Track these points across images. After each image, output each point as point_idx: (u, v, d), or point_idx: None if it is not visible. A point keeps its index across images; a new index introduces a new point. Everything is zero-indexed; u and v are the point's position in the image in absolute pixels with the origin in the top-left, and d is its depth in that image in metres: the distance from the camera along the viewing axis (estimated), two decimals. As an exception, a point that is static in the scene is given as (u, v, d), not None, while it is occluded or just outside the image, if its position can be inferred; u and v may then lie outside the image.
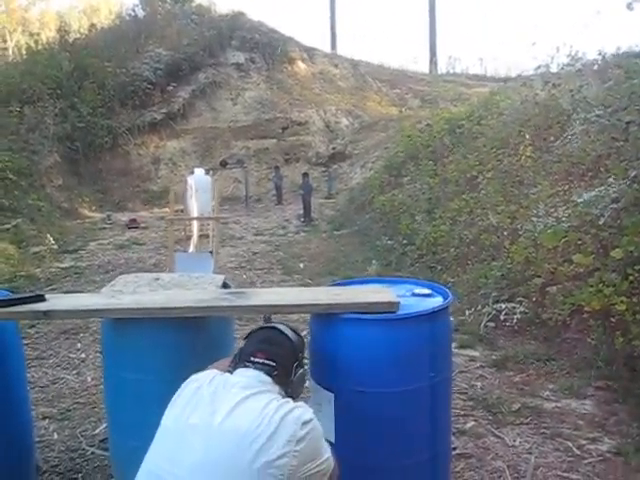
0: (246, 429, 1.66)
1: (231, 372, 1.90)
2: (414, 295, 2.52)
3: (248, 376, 1.84)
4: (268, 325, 2.09)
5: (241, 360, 1.92)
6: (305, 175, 12.78)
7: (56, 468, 3.10)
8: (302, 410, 1.77)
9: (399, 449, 2.28)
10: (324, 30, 30.33)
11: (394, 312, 2.28)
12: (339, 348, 2.28)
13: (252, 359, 1.90)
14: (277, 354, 1.92)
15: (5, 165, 11.01)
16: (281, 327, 2.04)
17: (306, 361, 2.19)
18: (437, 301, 2.43)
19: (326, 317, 2.35)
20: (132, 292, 2.63)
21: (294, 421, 1.71)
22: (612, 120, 5.85)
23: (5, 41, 22.70)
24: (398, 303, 2.29)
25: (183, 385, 1.85)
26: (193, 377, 1.87)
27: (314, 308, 2.37)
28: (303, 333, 2.50)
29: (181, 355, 2.32)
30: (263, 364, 1.88)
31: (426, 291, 2.54)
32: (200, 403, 1.75)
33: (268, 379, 1.85)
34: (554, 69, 9.50)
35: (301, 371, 1.99)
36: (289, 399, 1.83)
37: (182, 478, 1.64)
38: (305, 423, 1.73)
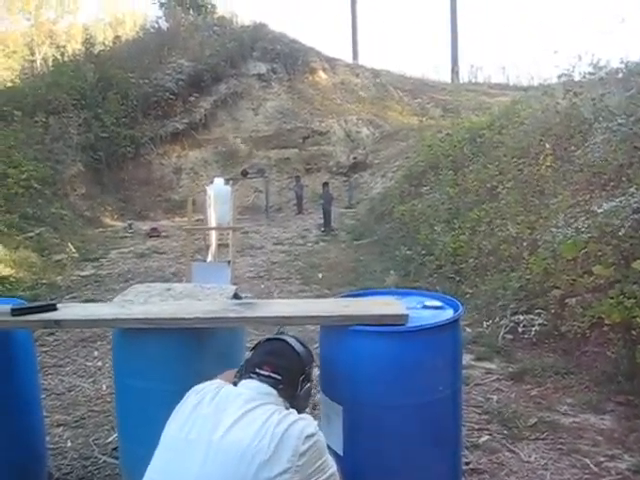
0: (248, 443, 1.64)
1: (236, 383, 1.89)
2: (425, 307, 2.50)
3: (252, 388, 1.83)
4: (276, 337, 2.05)
5: (247, 371, 1.90)
6: (325, 185, 12.80)
7: (68, 476, 3.11)
8: (305, 423, 1.74)
9: (408, 462, 2.25)
10: (346, 40, 30.48)
11: (403, 325, 2.25)
12: (347, 360, 2.26)
13: (257, 371, 1.88)
14: (283, 367, 1.89)
15: (30, 174, 11.19)
16: (289, 340, 2.01)
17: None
18: (447, 314, 2.40)
19: (335, 329, 2.33)
20: (143, 302, 2.64)
21: (297, 435, 1.68)
22: (634, 129, 5.76)
23: (33, 54, 23.08)
24: (407, 316, 2.26)
25: (185, 397, 1.84)
26: (195, 388, 1.86)
27: (322, 320, 2.36)
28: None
29: (189, 365, 2.32)
30: (268, 377, 1.86)
31: (437, 303, 2.51)
32: (200, 417, 1.74)
33: (273, 391, 1.84)
34: (577, 77, 9.40)
35: (308, 385, 1.96)
36: (293, 410, 1.81)
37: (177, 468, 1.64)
38: (308, 437, 1.70)
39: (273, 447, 1.64)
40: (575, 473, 2.98)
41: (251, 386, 1.84)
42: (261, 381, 1.86)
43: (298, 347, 1.99)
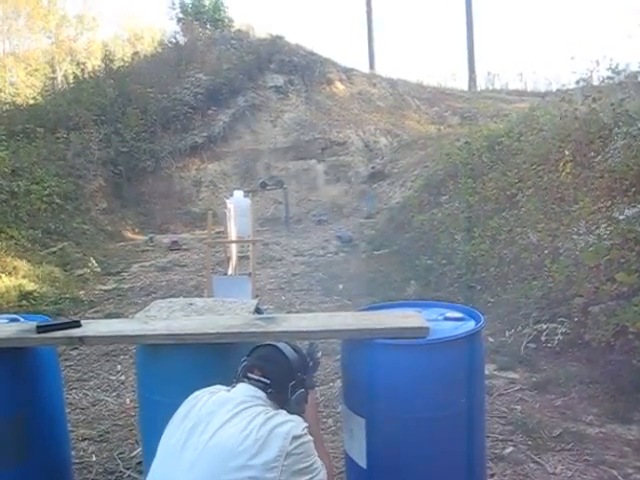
0: (232, 443, 1.68)
1: (232, 387, 1.95)
2: (446, 319, 2.49)
3: (243, 391, 1.89)
4: (268, 343, 2.10)
5: (240, 376, 1.97)
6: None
7: (93, 491, 3.14)
8: (293, 425, 1.77)
9: (431, 475, 2.24)
10: (362, 50, 30.56)
11: (424, 337, 2.25)
12: (369, 373, 2.26)
13: (249, 375, 1.94)
14: (272, 372, 1.94)
15: (52, 190, 11.36)
16: (280, 345, 2.05)
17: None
18: (469, 325, 2.39)
19: (356, 342, 2.33)
20: (165, 318, 2.66)
21: (283, 435, 1.72)
22: (655, 134, 5.71)
23: (54, 71, 23.46)
24: (428, 328, 2.26)
25: (182, 404, 1.89)
26: (193, 395, 1.92)
27: (344, 334, 2.36)
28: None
29: (212, 379, 2.31)
30: (258, 380, 1.92)
31: (458, 315, 2.50)
32: (191, 422, 1.78)
33: (262, 394, 1.89)
34: (595, 82, 9.33)
35: (300, 391, 1.98)
36: (282, 411, 1.84)
37: (166, 467, 1.70)
38: (295, 437, 1.73)
39: (258, 447, 1.68)
40: (602, 485, 2.94)
41: (242, 390, 1.90)
42: (252, 384, 1.91)
43: (289, 353, 2.03)
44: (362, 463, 2.30)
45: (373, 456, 2.28)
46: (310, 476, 1.74)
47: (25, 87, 23.42)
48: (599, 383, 4.06)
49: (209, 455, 1.68)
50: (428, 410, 2.20)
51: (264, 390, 1.90)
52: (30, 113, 14.37)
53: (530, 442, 3.38)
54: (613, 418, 3.63)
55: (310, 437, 1.79)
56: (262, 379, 1.92)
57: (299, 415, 1.91)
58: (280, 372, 1.95)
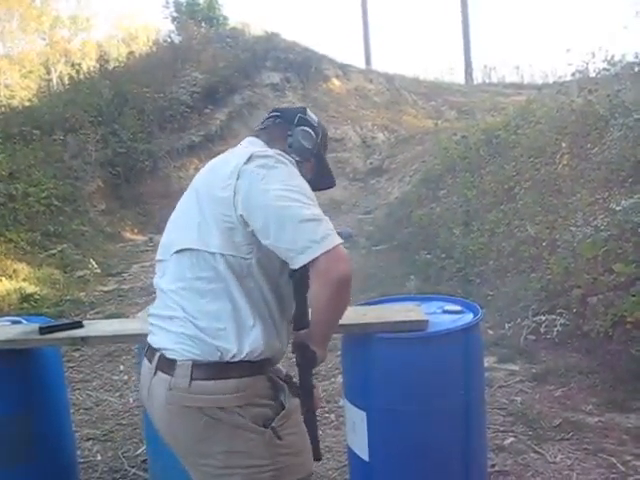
0: (215, 174, 1.68)
1: None
2: (445, 312, 2.51)
3: (245, 141, 1.84)
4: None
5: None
6: None
7: (99, 489, 3.17)
8: (266, 149, 1.69)
9: (432, 467, 2.27)
10: (358, 45, 30.52)
11: (423, 330, 2.28)
12: (369, 367, 2.29)
13: (260, 127, 1.88)
14: (282, 110, 1.92)
15: (50, 192, 11.33)
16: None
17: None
18: (468, 318, 2.41)
19: (356, 336, 2.36)
20: (166, 316, 2.68)
21: (245, 154, 1.62)
22: (651, 124, 5.73)
23: (49, 72, 23.44)
24: (427, 321, 2.28)
25: None
26: None
27: (343, 329, 2.37)
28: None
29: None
30: (267, 118, 1.87)
31: (457, 308, 2.52)
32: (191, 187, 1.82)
33: (260, 142, 1.80)
34: (591, 74, 9.34)
35: (306, 128, 1.85)
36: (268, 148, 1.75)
37: (167, 230, 1.78)
38: (255, 156, 1.61)
39: (228, 172, 1.61)
40: (602, 473, 2.97)
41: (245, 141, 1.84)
42: (259, 130, 1.86)
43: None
44: (364, 456, 2.33)
45: (374, 449, 2.30)
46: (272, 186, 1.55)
47: (20, 89, 23.43)
48: (598, 373, 4.09)
49: (194, 190, 1.72)
50: (427, 402, 2.23)
51: (273, 121, 1.85)
52: (26, 115, 14.29)
53: (530, 432, 3.42)
54: (612, 407, 3.66)
55: (287, 161, 1.65)
56: (272, 114, 1.88)
57: (303, 151, 1.81)
58: (290, 110, 1.91)
